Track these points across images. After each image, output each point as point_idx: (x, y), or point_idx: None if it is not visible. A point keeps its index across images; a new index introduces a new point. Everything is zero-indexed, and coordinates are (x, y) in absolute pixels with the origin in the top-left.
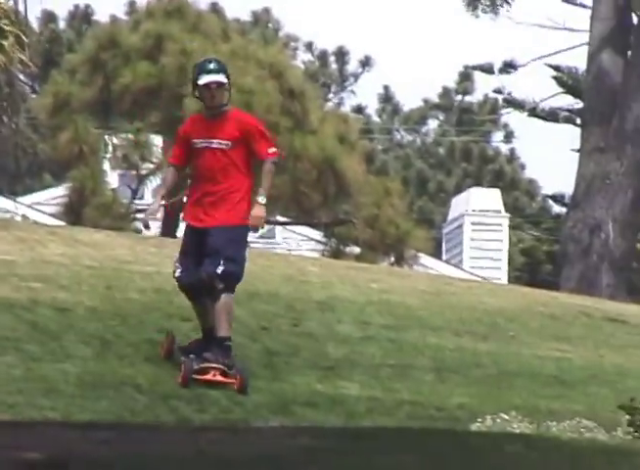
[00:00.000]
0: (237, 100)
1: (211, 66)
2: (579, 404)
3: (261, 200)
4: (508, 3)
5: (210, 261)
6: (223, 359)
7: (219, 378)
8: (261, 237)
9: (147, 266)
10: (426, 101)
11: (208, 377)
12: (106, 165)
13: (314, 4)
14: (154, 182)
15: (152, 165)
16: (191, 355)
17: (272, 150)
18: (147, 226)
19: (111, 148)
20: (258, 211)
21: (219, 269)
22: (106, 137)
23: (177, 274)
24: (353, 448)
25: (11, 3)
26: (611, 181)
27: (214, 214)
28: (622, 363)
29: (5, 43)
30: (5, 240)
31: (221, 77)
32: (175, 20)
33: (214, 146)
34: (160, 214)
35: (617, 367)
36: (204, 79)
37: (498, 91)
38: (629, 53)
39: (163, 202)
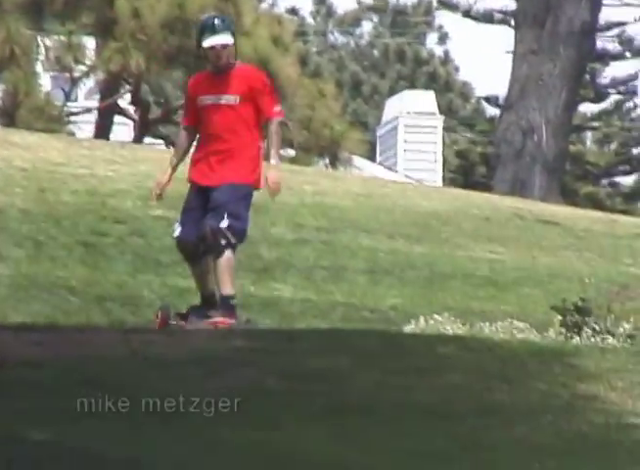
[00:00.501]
0: (170, 1)
1: (216, 25)
2: (512, 306)
3: (276, 163)
4: None
5: (213, 215)
6: (230, 319)
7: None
8: None
9: (80, 169)
10: (360, 3)
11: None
12: (39, 68)
13: None
14: (87, 84)
15: (85, 68)
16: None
17: (278, 109)
18: (159, 197)
19: (43, 50)
20: (276, 176)
21: (223, 224)
22: (38, 39)
23: (176, 234)
24: (287, 349)
25: None
26: (544, 83)
27: (221, 172)
28: (554, 265)
29: None
30: None
31: (227, 38)
32: None
33: (222, 102)
34: (169, 186)
35: (549, 269)
36: (208, 41)
37: None
38: None
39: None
